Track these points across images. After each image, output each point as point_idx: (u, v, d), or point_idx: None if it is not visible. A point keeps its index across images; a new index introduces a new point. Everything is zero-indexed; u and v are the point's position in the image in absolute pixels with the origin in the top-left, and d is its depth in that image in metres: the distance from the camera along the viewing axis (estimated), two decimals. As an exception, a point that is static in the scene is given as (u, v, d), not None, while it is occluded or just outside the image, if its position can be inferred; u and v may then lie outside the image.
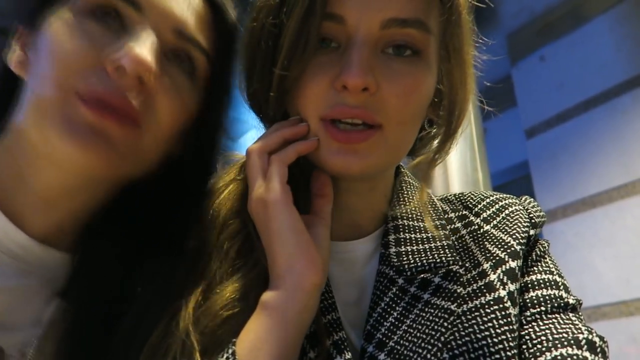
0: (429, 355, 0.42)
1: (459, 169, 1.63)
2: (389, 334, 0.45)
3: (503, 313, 0.44)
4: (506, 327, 0.44)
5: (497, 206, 0.55)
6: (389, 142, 0.45)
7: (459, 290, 0.46)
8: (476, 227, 0.53)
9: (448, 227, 0.53)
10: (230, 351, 0.39)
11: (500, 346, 0.42)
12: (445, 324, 0.44)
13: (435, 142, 0.55)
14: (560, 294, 0.48)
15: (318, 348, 0.44)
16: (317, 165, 0.48)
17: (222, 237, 0.48)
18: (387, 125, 0.44)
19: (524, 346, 0.44)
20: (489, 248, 0.50)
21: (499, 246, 0.50)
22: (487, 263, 0.48)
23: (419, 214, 0.53)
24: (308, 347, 0.45)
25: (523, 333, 0.45)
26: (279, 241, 0.43)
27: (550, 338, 0.44)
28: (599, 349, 0.43)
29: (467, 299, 0.46)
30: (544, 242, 0.53)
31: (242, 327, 0.42)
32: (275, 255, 0.43)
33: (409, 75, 0.44)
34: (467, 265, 0.49)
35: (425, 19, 0.44)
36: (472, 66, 0.50)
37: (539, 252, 0.52)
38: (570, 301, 0.47)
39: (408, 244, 0.49)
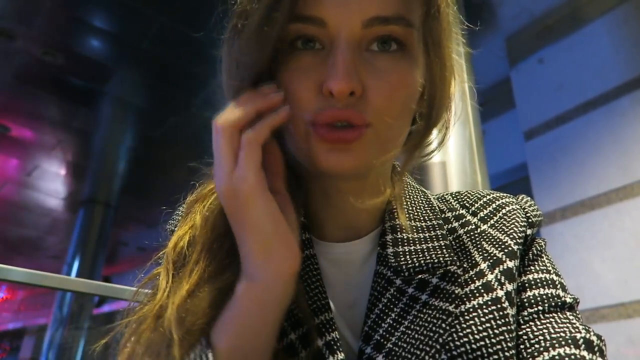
0: (427, 357, 0.42)
1: (457, 170, 1.64)
2: (387, 336, 0.45)
3: (501, 313, 0.44)
4: (504, 328, 0.43)
5: (494, 205, 0.54)
6: (380, 138, 0.44)
7: (456, 291, 0.46)
8: (473, 226, 0.53)
9: (445, 227, 0.52)
10: (205, 347, 0.39)
11: (499, 346, 0.42)
12: (444, 325, 0.44)
13: (433, 138, 0.55)
14: (557, 293, 0.48)
15: (310, 348, 0.44)
16: (306, 166, 0.47)
17: (212, 236, 0.47)
18: (376, 123, 0.44)
19: (522, 346, 0.44)
20: (486, 248, 0.50)
21: (496, 246, 0.49)
22: (484, 263, 0.48)
23: (416, 213, 0.53)
24: (300, 347, 0.44)
25: (521, 333, 0.45)
26: (255, 232, 0.41)
27: (548, 337, 0.44)
28: (596, 348, 0.43)
29: (465, 299, 0.46)
30: (540, 241, 0.53)
31: None
32: (250, 246, 0.42)
33: (394, 72, 0.44)
34: (464, 265, 0.49)
35: (407, 14, 0.44)
36: (453, 60, 0.48)
37: (535, 251, 0.51)
38: (568, 300, 0.47)
39: (406, 244, 0.49)
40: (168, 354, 0.40)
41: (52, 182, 4.93)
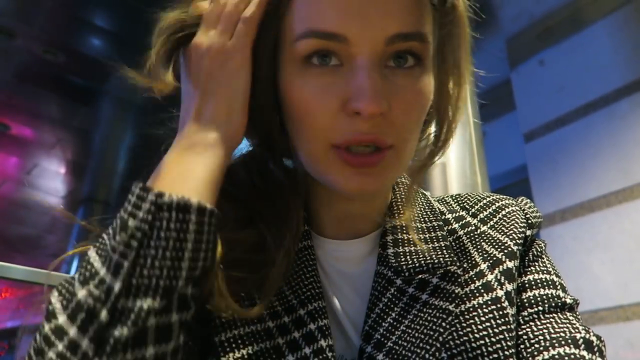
0: (427, 355, 0.42)
1: (457, 172, 1.64)
2: (388, 335, 0.45)
3: (501, 313, 0.44)
4: (504, 327, 0.44)
5: (493, 207, 0.55)
6: (399, 158, 0.45)
7: (456, 291, 0.46)
8: (473, 227, 0.53)
9: (445, 228, 0.53)
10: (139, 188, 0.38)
11: (498, 346, 0.42)
12: (444, 324, 0.44)
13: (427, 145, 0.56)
14: (557, 294, 0.48)
15: (303, 330, 0.45)
16: (321, 182, 0.48)
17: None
18: (396, 144, 0.44)
19: (522, 346, 0.44)
20: (486, 248, 0.50)
21: (496, 247, 0.50)
22: (484, 263, 0.49)
23: (416, 215, 0.53)
24: (292, 328, 0.45)
25: (520, 333, 0.45)
26: (228, 90, 0.44)
27: (548, 337, 0.44)
28: (596, 348, 0.43)
29: (465, 299, 0.46)
30: (540, 242, 0.53)
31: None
32: (215, 102, 0.44)
33: (411, 89, 0.44)
34: (464, 265, 0.49)
35: (424, 30, 0.44)
36: (468, 80, 0.49)
37: (535, 252, 0.52)
38: (568, 301, 0.48)
39: (406, 244, 0.49)
40: None
41: (51, 181, 4.93)
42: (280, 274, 0.45)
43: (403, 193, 0.55)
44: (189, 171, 0.41)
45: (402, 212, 0.53)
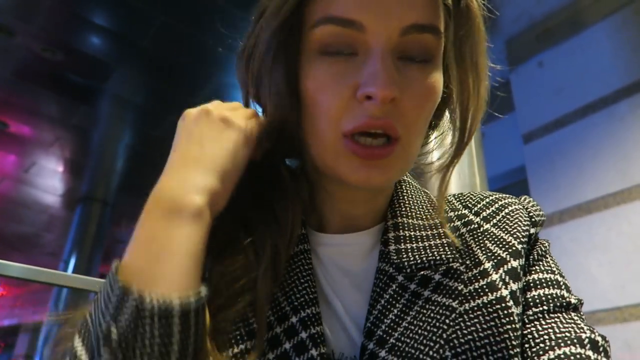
0: (431, 352, 0.42)
1: (456, 172, 1.64)
2: (390, 331, 0.45)
3: (506, 312, 0.44)
4: (509, 326, 0.43)
5: (496, 205, 0.55)
6: (406, 152, 0.45)
7: (459, 288, 0.46)
8: (476, 225, 0.53)
9: (447, 225, 0.53)
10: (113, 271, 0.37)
11: (503, 345, 0.42)
12: (447, 320, 0.44)
13: (431, 146, 0.56)
14: (562, 294, 0.48)
15: (294, 339, 0.44)
16: (327, 174, 0.48)
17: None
18: (404, 136, 0.44)
19: (526, 345, 0.44)
20: (490, 247, 0.50)
21: (500, 245, 0.50)
22: (488, 262, 0.48)
23: (418, 212, 0.53)
24: (284, 339, 0.45)
25: (525, 332, 0.45)
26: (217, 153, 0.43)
27: (553, 337, 0.44)
28: (601, 348, 0.43)
29: (469, 297, 0.46)
30: (544, 242, 0.53)
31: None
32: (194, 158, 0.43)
33: (423, 83, 0.44)
34: (467, 263, 0.49)
35: (438, 24, 0.44)
36: (486, 77, 0.49)
37: (540, 252, 0.52)
38: (572, 301, 0.48)
39: (408, 241, 0.49)
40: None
41: (49, 179, 4.92)
42: (267, 288, 0.44)
43: (405, 190, 0.55)
44: (173, 245, 0.38)
45: (404, 209, 0.53)
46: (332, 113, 0.44)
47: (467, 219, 0.54)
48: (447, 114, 0.54)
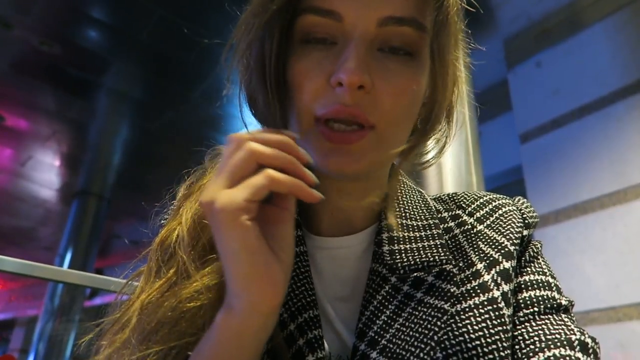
0: (422, 354, 0.42)
1: (453, 171, 1.64)
2: (382, 332, 0.45)
3: (497, 314, 0.44)
4: (500, 328, 0.43)
5: (490, 206, 0.55)
6: (381, 142, 0.45)
7: (452, 290, 0.46)
8: (469, 226, 0.53)
9: (441, 227, 0.53)
10: None
11: (494, 346, 0.42)
12: (439, 323, 0.44)
13: (432, 146, 0.55)
14: (553, 295, 0.48)
15: (294, 347, 0.44)
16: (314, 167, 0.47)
17: (197, 238, 0.46)
18: (379, 125, 0.44)
19: (517, 347, 0.44)
20: (483, 248, 0.50)
21: (493, 246, 0.50)
22: (481, 263, 0.48)
23: (412, 212, 0.53)
24: (298, 336, 0.45)
25: (516, 333, 0.45)
26: (231, 259, 0.37)
27: (543, 339, 0.44)
28: (591, 350, 0.43)
29: (461, 298, 0.46)
30: (537, 243, 0.53)
31: (203, 319, 0.41)
32: (229, 270, 0.38)
33: (403, 75, 0.44)
34: (460, 264, 0.49)
35: (421, 18, 0.44)
36: (457, 70, 0.49)
37: (532, 253, 0.52)
38: (563, 302, 0.48)
39: (401, 242, 0.49)
40: None
41: (46, 173, 4.90)
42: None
43: (400, 190, 0.55)
44: None
45: (398, 209, 0.52)
46: (307, 98, 0.44)
47: (460, 219, 0.54)
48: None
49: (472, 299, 0.45)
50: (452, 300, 0.45)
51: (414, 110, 0.47)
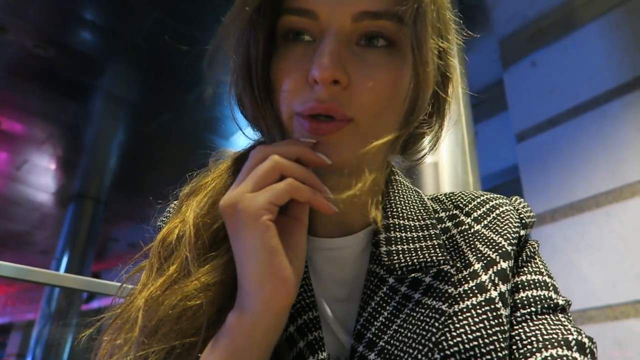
0: (419, 356, 0.42)
1: (449, 171, 1.64)
2: (379, 334, 0.44)
3: (494, 314, 0.44)
4: (497, 328, 0.43)
5: (487, 206, 0.55)
6: (361, 134, 0.44)
7: (450, 291, 0.46)
8: (467, 226, 0.53)
9: (439, 227, 0.53)
10: None
11: (492, 347, 0.42)
12: (437, 324, 0.44)
13: (427, 140, 0.54)
14: (550, 295, 0.48)
15: (295, 349, 0.44)
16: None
17: (199, 234, 0.46)
18: (359, 118, 0.44)
19: (514, 347, 0.44)
20: (480, 248, 0.50)
21: (490, 246, 0.50)
22: (478, 263, 0.48)
23: (409, 212, 0.53)
24: (298, 338, 0.44)
25: (513, 334, 0.45)
26: (249, 258, 0.39)
27: (541, 339, 0.44)
28: (588, 350, 0.43)
29: (459, 299, 0.46)
30: (534, 243, 0.53)
31: (203, 318, 0.41)
32: (243, 270, 0.40)
33: (382, 68, 0.44)
34: (458, 265, 0.49)
35: (398, 10, 0.43)
36: (433, 62, 0.47)
37: (529, 253, 0.52)
38: (560, 302, 0.48)
39: (399, 242, 0.49)
40: None
41: (42, 177, 4.88)
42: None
43: (397, 190, 0.54)
44: None
45: (395, 209, 0.52)
46: (287, 96, 0.45)
47: (458, 219, 0.54)
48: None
49: (470, 300, 0.45)
50: (449, 301, 0.45)
51: (396, 102, 0.46)
